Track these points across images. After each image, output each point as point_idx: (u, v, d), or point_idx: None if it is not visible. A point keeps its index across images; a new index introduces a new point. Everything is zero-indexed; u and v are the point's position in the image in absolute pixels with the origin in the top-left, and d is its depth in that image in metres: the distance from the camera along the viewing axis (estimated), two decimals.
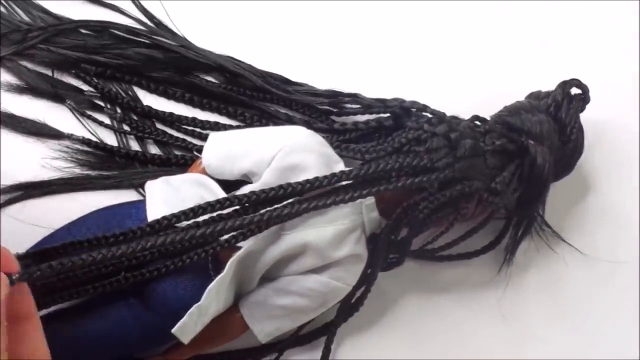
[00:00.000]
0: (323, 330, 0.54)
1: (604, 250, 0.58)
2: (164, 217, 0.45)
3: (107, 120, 0.58)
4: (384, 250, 0.51)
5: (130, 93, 0.60)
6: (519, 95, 0.57)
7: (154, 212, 0.48)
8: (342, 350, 0.55)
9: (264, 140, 0.50)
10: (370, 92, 0.58)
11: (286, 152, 0.48)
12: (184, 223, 0.45)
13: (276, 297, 0.49)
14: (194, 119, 0.59)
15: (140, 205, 0.49)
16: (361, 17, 0.63)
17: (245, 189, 0.49)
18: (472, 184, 0.49)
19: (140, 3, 0.61)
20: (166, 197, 0.49)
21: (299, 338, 0.54)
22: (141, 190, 0.56)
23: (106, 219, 0.48)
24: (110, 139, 0.58)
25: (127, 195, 0.56)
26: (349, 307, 0.53)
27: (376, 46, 0.63)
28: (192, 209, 0.45)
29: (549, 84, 0.56)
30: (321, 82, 0.59)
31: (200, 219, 0.45)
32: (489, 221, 0.54)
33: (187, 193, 0.49)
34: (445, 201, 0.49)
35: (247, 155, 0.50)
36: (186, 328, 0.46)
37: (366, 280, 0.52)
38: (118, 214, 0.49)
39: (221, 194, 0.48)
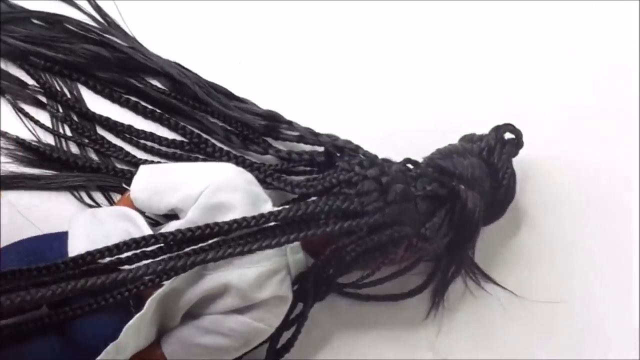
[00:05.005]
0: None
1: (538, 290, 0.58)
2: (87, 253, 0.44)
3: (48, 117, 0.59)
4: (312, 292, 0.51)
5: (75, 93, 0.59)
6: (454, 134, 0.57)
7: (76, 246, 0.47)
8: None
9: (192, 177, 0.49)
10: (301, 120, 0.57)
11: (212, 190, 0.48)
12: (107, 259, 0.45)
13: (198, 335, 0.48)
14: (129, 126, 0.58)
15: (63, 237, 0.48)
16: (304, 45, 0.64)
17: (170, 226, 0.48)
18: (402, 230, 0.49)
19: (95, 1, 0.61)
20: (89, 230, 0.48)
21: None
22: (75, 194, 0.56)
23: (28, 251, 0.47)
24: (50, 137, 0.58)
25: (57, 198, 0.56)
26: (276, 348, 0.52)
27: (315, 77, 0.63)
28: (116, 245, 0.45)
29: (483, 128, 0.57)
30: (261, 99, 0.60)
31: (124, 255, 0.45)
32: (417, 264, 0.54)
33: (112, 227, 0.49)
34: (373, 245, 0.49)
35: (174, 190, 0.49)
36: None
37: (296, 321, 0.52)
38: (40, 245, 0.48)
39: (147, 230, 0.48)
